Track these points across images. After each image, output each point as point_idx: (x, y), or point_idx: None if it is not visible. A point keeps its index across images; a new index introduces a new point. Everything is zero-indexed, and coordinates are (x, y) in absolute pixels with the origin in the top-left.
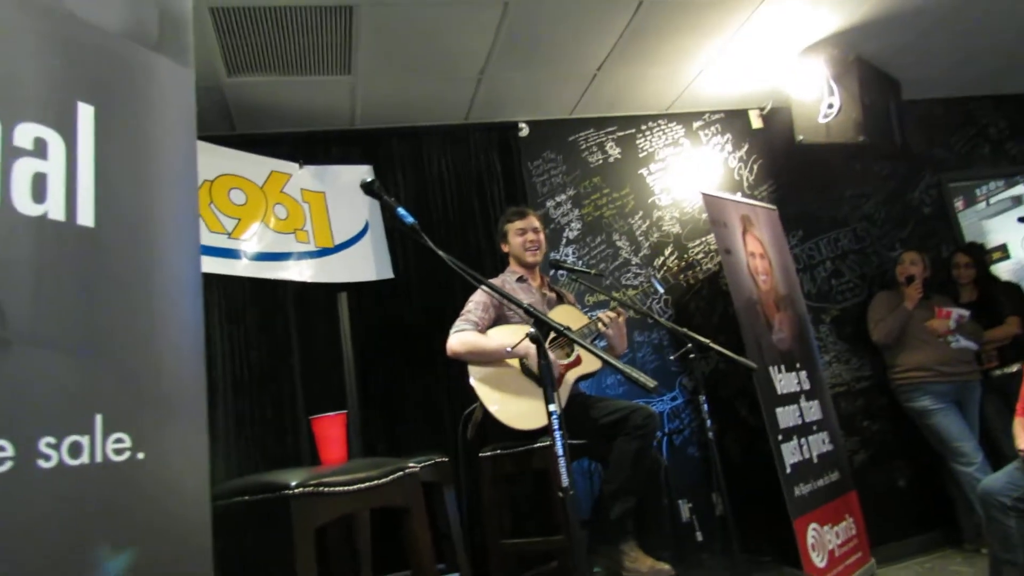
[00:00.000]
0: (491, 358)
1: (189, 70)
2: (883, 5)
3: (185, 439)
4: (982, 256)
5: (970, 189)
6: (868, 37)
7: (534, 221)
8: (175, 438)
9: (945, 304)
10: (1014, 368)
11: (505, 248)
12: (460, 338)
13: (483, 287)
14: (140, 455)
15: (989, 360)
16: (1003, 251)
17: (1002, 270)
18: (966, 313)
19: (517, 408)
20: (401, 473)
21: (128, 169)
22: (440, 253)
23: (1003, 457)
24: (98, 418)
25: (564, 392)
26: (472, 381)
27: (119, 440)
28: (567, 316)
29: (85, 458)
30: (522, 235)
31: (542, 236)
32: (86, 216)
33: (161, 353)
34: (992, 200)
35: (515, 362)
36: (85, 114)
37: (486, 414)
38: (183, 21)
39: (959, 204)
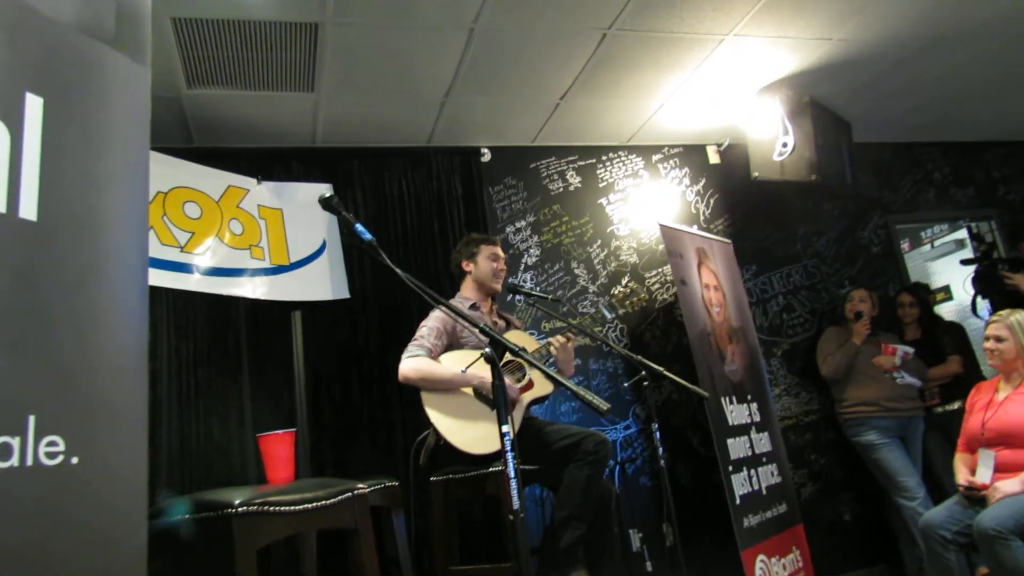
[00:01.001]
0: (443, 386)
1: (145, 68)
2: (837, 51)
3: (124, 445)
4: (926, 296)
5: (916, 231)
6: (822, 80)
7: (501, 249)
8: (113, 444)
9: (891, 341)
10: (955, 406)
11: (468, 268)
12: (412, 364)
13: (441, 307)
14: (74, 459)
15: (932, 397)
16: (946, 292)
17: (945, 311)
18: (911, 350)
19: (471, 433)
20: (350, 494)
21: (76, 164)
22: (398, 271)
23: (944, 492)
24: (31, 419)
25: (518, 415)
26: (425, 406)
27: (52, 443)
28: (518, 341)
29: (15, 460)
30: (495, 260)
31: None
32: (29, 209)
33: (102, 355)
34: (937, 243)
35: (468, 387)
36: (33, 105)
37: (439, 439)
38: (141, 17)
39: (905, 245)
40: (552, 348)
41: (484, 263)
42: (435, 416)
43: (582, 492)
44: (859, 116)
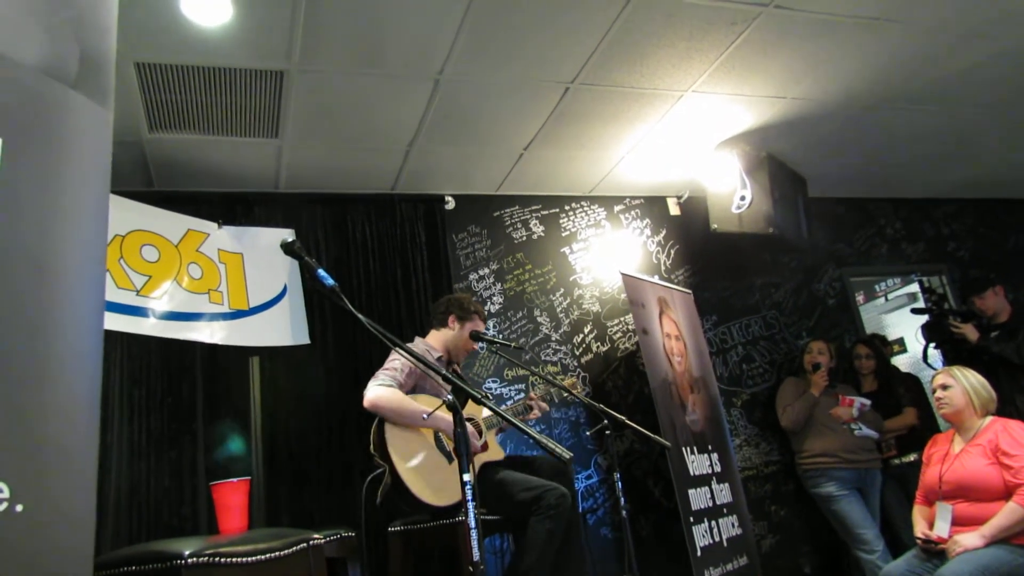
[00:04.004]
0: (410, 420)
1: (107, 111)
2: (791, 109)
3: (71, 493)
4: (881, 348)
5: (870, 284)
6: (778, 136)
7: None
8: (60, 492)
9: (848, 393)
10: (911, 457)
11: (453, 326)
12: (385, 393)
13: (406, 355)
14: (19, 507)
15: (888, 449)
16: (900, 345)
17: (900, 363)
18: (868, 402)
19: (431, 480)
20: (305, 545)
21: (34, 205)
22: (361, 317)
23: (902, 545)
24: None
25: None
26: (388, 446)
27: None
28: (471, 408)
29: None
30: (477, 338)
31: None
32: None
33: (52, 400)
34: (890, 296)
35: (429, 435)
36: None
37: (395, 481)
38: (105, 61)
39: (860, 298)
40: (534, 412)
41: (466, 335)
42: (396, 458)
43: (541, 548)
44: (814, 171)
